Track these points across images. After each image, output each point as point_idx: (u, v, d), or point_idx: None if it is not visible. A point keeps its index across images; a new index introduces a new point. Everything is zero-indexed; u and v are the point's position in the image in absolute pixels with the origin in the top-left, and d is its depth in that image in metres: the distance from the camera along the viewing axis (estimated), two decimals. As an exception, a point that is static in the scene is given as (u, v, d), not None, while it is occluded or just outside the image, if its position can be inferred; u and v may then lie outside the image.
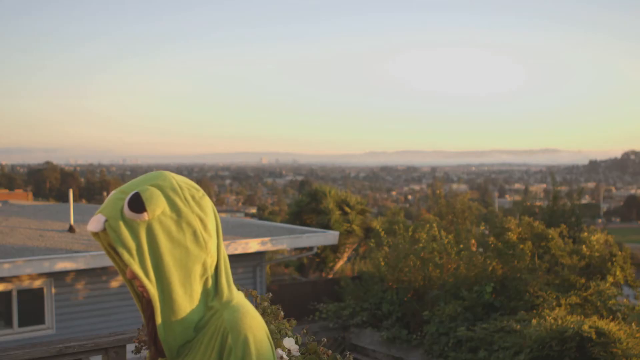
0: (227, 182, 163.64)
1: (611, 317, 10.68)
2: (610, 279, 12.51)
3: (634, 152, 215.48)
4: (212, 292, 1.47)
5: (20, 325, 9.93)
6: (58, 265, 9.56)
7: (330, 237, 13.17)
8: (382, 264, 14.50)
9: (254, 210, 72.75)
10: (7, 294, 9.90)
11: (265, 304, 3.21)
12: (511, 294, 12.58)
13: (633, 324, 9.80)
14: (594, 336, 8.91)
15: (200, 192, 1.48)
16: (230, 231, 12.23)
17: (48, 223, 12.29)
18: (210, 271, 1.47)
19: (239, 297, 1.50)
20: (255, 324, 1.43)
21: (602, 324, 9.22)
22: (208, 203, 1.49)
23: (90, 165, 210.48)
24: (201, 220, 1.45)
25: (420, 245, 13.86)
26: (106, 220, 1.39)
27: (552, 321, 9.74)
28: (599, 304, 11.68)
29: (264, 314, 3.13)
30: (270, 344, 1.47)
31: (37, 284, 10.09)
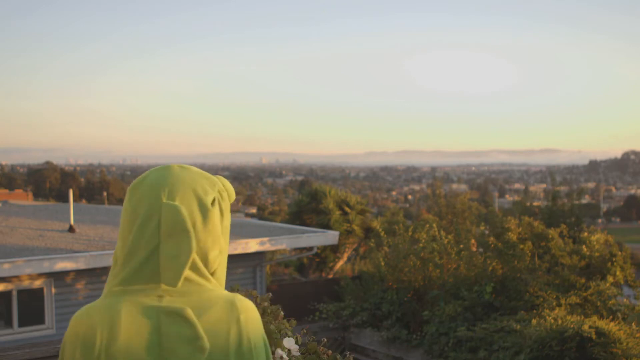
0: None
1: (611, 317, 10.68)
2: (610, 279, 12.51)
3: (634, 152, 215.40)
4: None
5: (20, 325, 9.93)
6: (58, 265, 9.56)
7: (330, 237, 13.17)
8: (382, 264, 14.49)
9: (254, 210, 72.78)
10: (7, 294, 9.90)
11: (265, 304, 3.21)
12: (511, 294, 12.57)
13: (633, 324, 9.78)
14: (594, 336, 8.91)
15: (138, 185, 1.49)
16: (230, 231, 12.22)
17: (48, 223, 12.29)
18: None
19: None
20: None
21: (602, 324, 9.22)
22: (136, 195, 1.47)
23: (90, 165, 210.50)
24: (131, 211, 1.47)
25: (420, 245, 13.85)
26: None
27: (552, 321, 9.73)
28: (599, 304, 11.68)
29: (263, 314, 3.13)
30: (267, 348, 1.46)
31: (37, 284, 10.08)
